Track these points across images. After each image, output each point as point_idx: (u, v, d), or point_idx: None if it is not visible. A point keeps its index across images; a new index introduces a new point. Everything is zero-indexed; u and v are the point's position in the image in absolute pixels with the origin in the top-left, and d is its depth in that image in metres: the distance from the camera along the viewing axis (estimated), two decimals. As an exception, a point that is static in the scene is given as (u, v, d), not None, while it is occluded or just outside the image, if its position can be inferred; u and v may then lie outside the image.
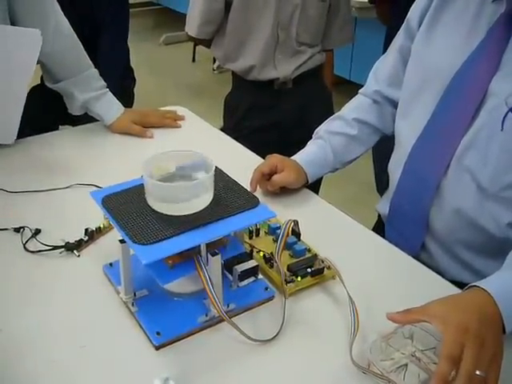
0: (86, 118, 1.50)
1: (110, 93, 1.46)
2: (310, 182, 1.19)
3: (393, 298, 0.90)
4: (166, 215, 0.79)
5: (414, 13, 1.11)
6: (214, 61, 4.39)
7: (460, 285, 0.92)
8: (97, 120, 1.46)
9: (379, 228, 1.19)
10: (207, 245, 0.80)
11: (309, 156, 1.21)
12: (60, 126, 2.11)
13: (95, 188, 1.15)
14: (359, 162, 1.29)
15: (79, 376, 0.76)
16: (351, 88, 1.29)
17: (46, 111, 1.97)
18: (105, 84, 1.46)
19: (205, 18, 1.65)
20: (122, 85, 2.12)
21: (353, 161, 1.26)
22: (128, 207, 0.82)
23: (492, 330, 0.74)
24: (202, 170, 0.83)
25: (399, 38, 1.16)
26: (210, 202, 0.82)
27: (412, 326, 0.80)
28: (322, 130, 1.25)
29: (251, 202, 0.84)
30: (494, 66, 0.95)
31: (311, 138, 1.39)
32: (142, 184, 0.84)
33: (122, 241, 0.80)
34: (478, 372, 0.70)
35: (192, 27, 1.70)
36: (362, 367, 0.76)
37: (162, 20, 5.60)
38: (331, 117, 1.27)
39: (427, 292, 0.91)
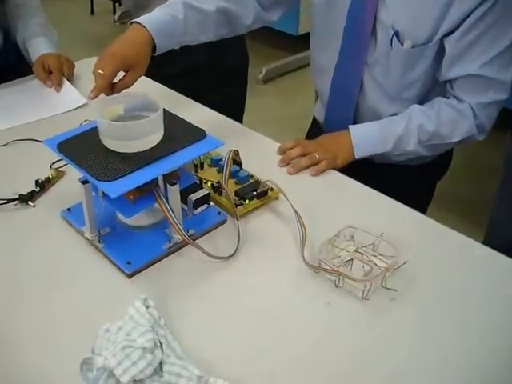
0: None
1: None
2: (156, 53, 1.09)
3: (330, 209, 1.02)
4: (122, 153, 0.85)
5: None
6: (115, 12, 4.28)
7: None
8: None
9: (312, 130, 1.45)
10: (164, 178, 0.87)
11: (159, 25, 1.07)
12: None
13: (34, 142, 1.18)
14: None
15: (60, 312, 0.82)
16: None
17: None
18: None
19: None
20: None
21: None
22: (84, 150, 0.87)
23: (340, 147, 1.16)
24: (148, 109, 0.89)
25: None
26: (161, 139, 0.88)
27: (351, 228, 0.92)
28: None
29: (199, 135, 0.91)
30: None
31: (225, 81, 1.60)
32: (93, 128, 0.89)
33: (84, 182, 0.86)
34: (317, 155, 1.13)
35: None
36: (315, 266, 0.88)
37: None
38: None
39: (362, 204, 1.05)
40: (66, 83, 1.41)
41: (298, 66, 3.54)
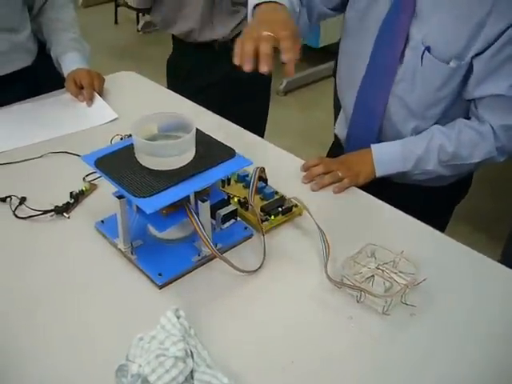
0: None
1: None
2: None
3: (352, 226, 1.06)
4: (156, 171, 0.90)
5: None
6: (138, 22, 4.36)
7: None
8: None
9: (334, 149, 1.47)
10: (195, 194, 0.91)
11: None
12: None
13: (67, 154, 1.23)
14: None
15: (94, 321, 0.87)
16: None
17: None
18: None
19: None
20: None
21: None
22: (120, 166, 0.91)
23: (362, 165, 1.20)
24: (182, 129, 0.94)
25: None
26: (193, 157, 0.93)
27: (372, 246, 0.95)
28: None
29: (229, 154, 0.95)
30: (409, 15, 1.14)
31: (249, 93, 1.68)
32: (128, 145, 0.94)
33: (119, 196, 0.90)
34: (339, 173, 1.17)
35: None
36: (337, 282, 0.91)
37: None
38: None
39: (383, 221, 1.08)
40: (97, 98, 1.47)
41: (318, 78, 3.59)
